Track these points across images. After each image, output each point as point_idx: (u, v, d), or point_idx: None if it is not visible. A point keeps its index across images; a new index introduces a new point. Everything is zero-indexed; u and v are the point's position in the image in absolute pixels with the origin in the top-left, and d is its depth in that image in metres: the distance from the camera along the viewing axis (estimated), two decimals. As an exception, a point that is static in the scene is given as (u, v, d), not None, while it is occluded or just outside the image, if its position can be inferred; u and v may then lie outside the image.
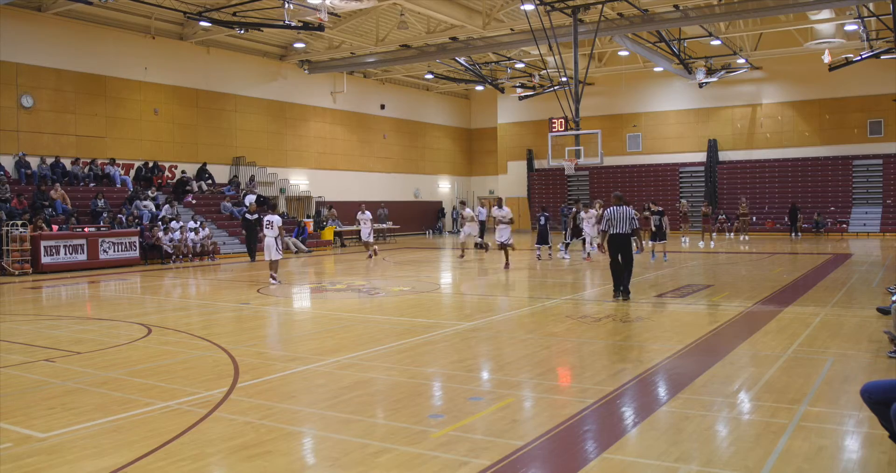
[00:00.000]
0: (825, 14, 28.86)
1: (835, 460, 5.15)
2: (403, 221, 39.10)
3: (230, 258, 24.90)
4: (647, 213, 22.92)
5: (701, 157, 39.71)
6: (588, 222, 22.68)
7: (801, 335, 9.63)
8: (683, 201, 35.14)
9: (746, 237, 28.73)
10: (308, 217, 33.33)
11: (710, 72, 35.99)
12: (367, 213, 25.02)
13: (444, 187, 46.52)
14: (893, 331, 8.35)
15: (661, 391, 7.16)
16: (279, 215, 17.46)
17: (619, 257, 13.26)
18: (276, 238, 16.74)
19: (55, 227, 21.99)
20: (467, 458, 5.14)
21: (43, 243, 20.90)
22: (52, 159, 25.19)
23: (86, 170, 26.14)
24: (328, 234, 32.43)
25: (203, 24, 26.39)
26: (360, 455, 5.26)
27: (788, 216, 34.13)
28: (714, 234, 31.26)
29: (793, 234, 33.63)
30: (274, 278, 16.90)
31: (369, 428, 5.92)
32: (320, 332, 10.53)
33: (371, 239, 24.85)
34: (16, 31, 24.38)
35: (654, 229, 22.10)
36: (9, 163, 24.17)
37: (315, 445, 5.69)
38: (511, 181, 45.68)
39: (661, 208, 22.49)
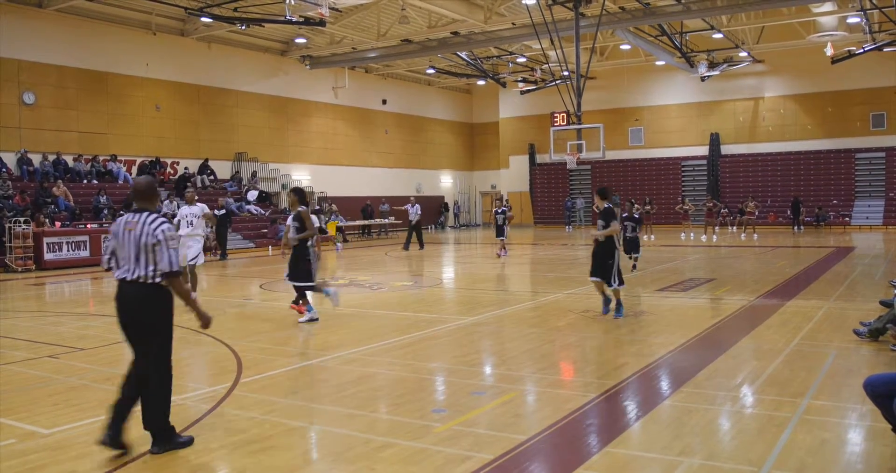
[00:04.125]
0: (827, 6, 28.82)
1: (838, 453, 5.16)
2: (405, 216, 38.98)
3: (232, 254, 24.91)
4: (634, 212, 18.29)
5: (703, 150, 39.65)
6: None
7: (803, 328, 9.63)
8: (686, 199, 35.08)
9: (756, 236, 28.71)
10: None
11: (712, 65, 35.95)
12: (195, 207, 12.96)
13: (446, 182, 46.51)
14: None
15: (664, 385, 7.16)
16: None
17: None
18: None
19: (58, 223, 22.03)
20: (471, 452, 5.15)
21: (46, 240, 20.92)
22: (54, 156, 25.21)
23: (88, 166, 26.16)
24: (330, 229, 32.42)
25: (204, 19, 26.36)
26: (364, 450, 5.27)
27: (791, 210, 34.07)
28: (717, 228, 31.23)
29: (795, 227, 33.59)
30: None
31: (372, 423, 5.93)
32: (323, 327, 10.54)
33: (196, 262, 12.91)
34: (17, 28, 24.35)
35: (626, 238, 16.84)
36: (11, 160, 24.19)
37: (318, 440, 5.71)
38: (513, 176, 45.65)
39: (637, 214, 17.51)
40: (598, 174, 41.81)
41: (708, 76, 37.03)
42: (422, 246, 26.13)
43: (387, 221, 36.22)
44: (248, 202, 30.01)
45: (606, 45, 36.28)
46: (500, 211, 22.52)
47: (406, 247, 26.18)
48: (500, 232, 22.31)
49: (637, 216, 17.51)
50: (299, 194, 10.89)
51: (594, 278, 10.70)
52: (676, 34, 32.11)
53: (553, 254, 23.57)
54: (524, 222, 44.65)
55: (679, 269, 17.94)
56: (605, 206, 10.76)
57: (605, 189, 10.99)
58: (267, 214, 30.13)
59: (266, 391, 6.98)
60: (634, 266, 17.04)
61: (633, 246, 17.03)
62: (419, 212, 26.49)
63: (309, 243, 10.72)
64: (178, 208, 14.95)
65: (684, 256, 21.63)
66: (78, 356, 8.73)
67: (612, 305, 10.81)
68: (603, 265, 10.57)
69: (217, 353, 8.70)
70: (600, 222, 10.66)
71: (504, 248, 22.47)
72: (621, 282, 10.59)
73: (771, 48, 35.38)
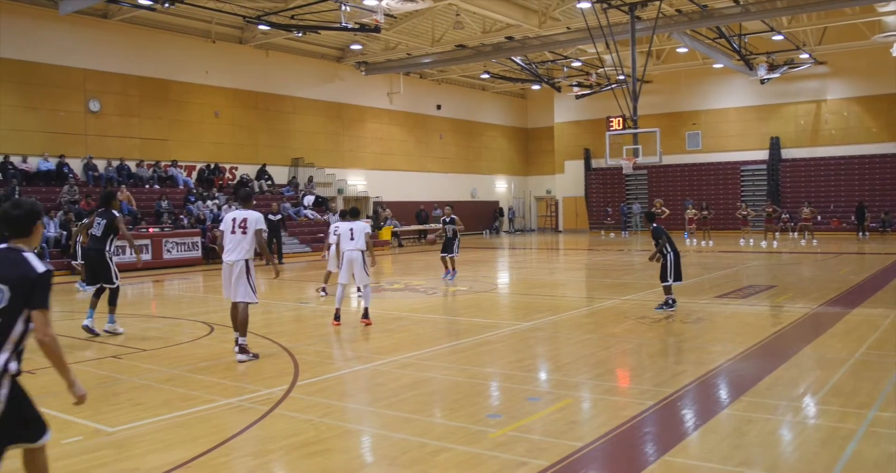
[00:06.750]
0: (894, 6, 27.99)
1: (906, 466, 4.99)
2: (460, 221, 39.05)
3: (290, 258, 25.24)
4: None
5: (763, 155, 38.86)
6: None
7: (869, 337, 9.35)
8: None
9: (815, 242, 27.91)
10: (367, 217, 33.64)
11: (772, 68, 35.20)
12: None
13: (500, 187, 46.45)
14: None
15: (723, 393, 7.03)
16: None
17: None
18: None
19: (121, 227, 22.56)
20: (526, 459, 5.12)
21: (110, 244, 21.44)
22: (118, 162, 25.90)
23: (150, 172, 26.81)
24: (385, 234, 32.66)
25: (262, 27, 26.85)
26: (419, 454, 5.28)
27: (855, 215, 33.15)
28: (777, 234, 30.51)
29: (860, 233, 32.66)
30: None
31: (427, 427, 5.94)
32: (378, 331, 10.60)
33: None
34: (84, 39, 25.16)
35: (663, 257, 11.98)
36: (77, 166, 24.94)
37: (374, 443, 5.74)
38: (568, 181, 45.36)
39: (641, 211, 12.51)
40: (655, 179, 41.30)
41: (768, 79, 36.27)
42: (280, 259, 23.03)
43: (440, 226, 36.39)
44: (305, 207, 30.40)
45: (663, 48, 35.82)
46: (449, 220, 18.12)
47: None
48: (448, 247, 17.69)
49: (655, 227, 12.13)
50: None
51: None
52: (735, 36, 31.56)
53: (609, 260, 23.33)
54: (580, 228, 44.33)
55: (738, 275, 17.61)
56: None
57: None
58: (323, 218, 30.46)
59: (322, 393, 7.05)
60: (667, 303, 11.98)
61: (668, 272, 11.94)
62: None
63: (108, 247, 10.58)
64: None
65: (744, 262, 21.21)
66: (140, 357, 8.93)
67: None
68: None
69: (274, 356, 8.81)
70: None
71: (453, 268, 17.69)
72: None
73: (833, 49, 34.52)
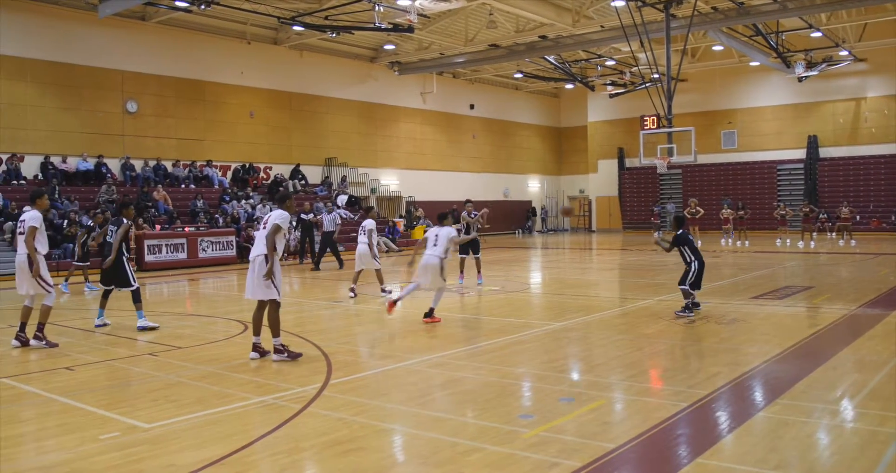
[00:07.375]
0: (937, 2, 27.43)
1: (948, 472, 4.89)
2: (493, 220, 38.82)
3: (324, 258, 25.33)
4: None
5: (800, 154, 38.27)
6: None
7: (909, 339, 9.17)
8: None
9: (854, 243, 27.39)
10: (399, 217, 33.76)
11: (810, 65, 34.64)
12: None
13: (533, 187, 46.32)
14: None
15: (759, 395, 6.93)
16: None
17: None
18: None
19: (157, 227, 22.92)
20: (558, 459, 5.10)
21: (146, 243, 21.79)
22: (155, 162, 26.28)
23: (185, 172, 27.15)
24: (418, 233, 32.72)
25: (296, 28, 27.10)
26: (451, 454, 5.29)
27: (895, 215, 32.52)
28: (815, 234, 30.03)
29: (900, 234, 32.05)
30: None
31: (460, 427, 5.94)
32: (411, 330, 10.63)
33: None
34: (121, 41, 25.57)
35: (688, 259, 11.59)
36: (115, 166, 25.34)
37: (406, 442, 5.75)
38: (602, 180, 45.10)
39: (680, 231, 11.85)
40: (690, 179, 40.90)
41: (805, 77, 35.70)
42: (313, 257, 22.73)
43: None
44: (338, 206, 30.56)
45: (698, 46, 35.47)
46: (475, 214, 16.89)
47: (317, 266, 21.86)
48: (474, 247, 16.46)
49: (680, 233, 11.81)
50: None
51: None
52: (772, 34, 31.14)
53: (642, 260, 23.15)
54: (613, 227, 44.06)
55: (775, 276, 17.36)
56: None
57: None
58: (356, 218, 30.61)
59: (355, 392, 7.08)
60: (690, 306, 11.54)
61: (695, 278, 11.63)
62: (338, 221, 21.64)
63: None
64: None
65: (780, 262, 20.92)
66: (175, 355, 9.04)
67: None
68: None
69: (307, 354, 8.86)
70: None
71: (478, 271, 16.60)
72: None
73: (874, 46, 33.92)
